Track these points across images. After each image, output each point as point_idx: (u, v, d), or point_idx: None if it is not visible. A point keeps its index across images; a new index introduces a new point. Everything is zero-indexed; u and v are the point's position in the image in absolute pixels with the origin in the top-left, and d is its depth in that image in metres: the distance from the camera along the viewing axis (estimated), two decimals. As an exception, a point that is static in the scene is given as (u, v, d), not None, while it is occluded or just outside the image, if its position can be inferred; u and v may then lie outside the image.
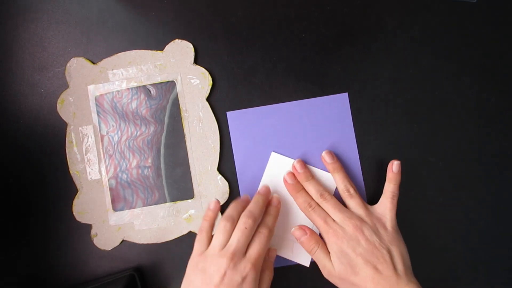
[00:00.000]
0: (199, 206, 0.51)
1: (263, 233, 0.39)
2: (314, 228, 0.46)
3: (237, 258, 0.36)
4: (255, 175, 0.51)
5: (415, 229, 0.52)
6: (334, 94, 0.52)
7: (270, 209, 0.43)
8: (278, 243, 0.46)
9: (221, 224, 0.39)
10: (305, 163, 0.48)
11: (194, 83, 0.52)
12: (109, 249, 0.51)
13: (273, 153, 0.45)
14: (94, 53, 0.52)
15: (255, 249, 0.37)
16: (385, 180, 0.49)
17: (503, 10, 0.53)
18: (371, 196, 0.52)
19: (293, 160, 0.47)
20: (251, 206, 0.41)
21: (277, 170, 0.46)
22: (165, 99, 0.52)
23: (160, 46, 0.52)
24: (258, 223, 0.40)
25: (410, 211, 0.52)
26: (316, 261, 0.43)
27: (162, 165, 0.51)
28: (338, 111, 0.52)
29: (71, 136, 0.51)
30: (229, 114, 0.52)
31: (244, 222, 0.38)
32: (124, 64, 0.52)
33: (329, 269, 0.41)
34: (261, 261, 0.37)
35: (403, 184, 0.52)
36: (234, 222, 0.39)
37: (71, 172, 0.51)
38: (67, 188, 0.51)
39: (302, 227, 0.43)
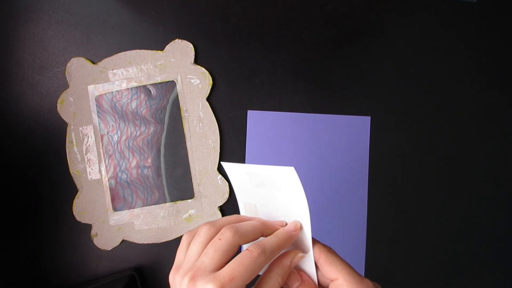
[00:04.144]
0: (199, 206, 0.51)
1: (249, 252, 0.28)
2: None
3: (200, 277, 0.27)
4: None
5: (415, 229, 0.52)
6: (334, 94, 0.52)
7: (278, 231, 0.31)
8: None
9: (200, 228, 0.30)
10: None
11: (194, 83, 0.52)
12: (109, 249, 0.51)
13: (224, 164, 0.34)
14: (94, 53, 0.52)
15: (228, 269, 0.27)
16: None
17: (503, 10, 0.53)
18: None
19: (245, 165, 0.33)
20: (241, 223, 0.31)
21: (238, 179, 0.34)
22: (165, 99, 0.52)
23: (160, 46, 0.52)
24: (244, 242, 0.30)
25: (410, 211, 0.52)
26: None
27: (162, 165, 0.51)
28: (357, 132, 0.52)
29: (71, 136, 0.51)
30: (250, 112, 0.52)
31: (220, 233, 0.29)
32: (124, 64, 0.52)
33: None
34: (238, 286, 0.27)
35: (403, 184, 0.52)
36: (216, 230, 0.30)
37: (71, 172, 0.51)
38: (67, 188, 0.51)
39: (298, 273, 0.32)
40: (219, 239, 0.29)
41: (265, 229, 0.31)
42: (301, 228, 0.32)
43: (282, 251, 0.31)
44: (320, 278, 0.31)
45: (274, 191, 0.32)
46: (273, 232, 0.31)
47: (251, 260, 0.28)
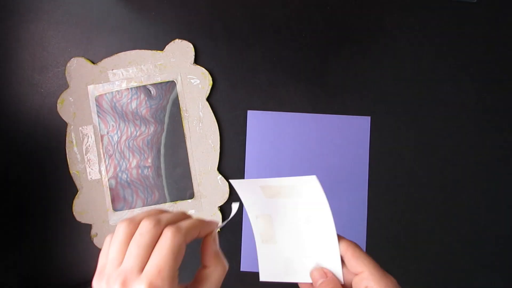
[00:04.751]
0: (199, 206, 0.51)
1: (166, 236, 0.27)
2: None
3: (130, 281, 0.26)
4: (263, 176, 0.51)
5: (415, 229, 0.52)
6: (334, 94, 0.52)
7: (195, 218, 0.31)
8: (291, 268, 0.35)
9: (117, 227, 0.28)
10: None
11: (194, 83, 0.52)
12: (109, 249, 0.51)
13: (232, 181, 0.33)
14: (94, 53, 0.52)
15: (152, 262, 0.26)
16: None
17: (503, 10, 0.53)
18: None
19: (256, 180, 0.33)
20: (161, 214, 0.29)
21: (249, 194, 0.34)
22: (165, 99, 0.52)
23: (160, 46, 0.52)
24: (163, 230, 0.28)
25: (410, 211, 0.52)
26: None
27: (162, 165, 0.51)
28: (357, 132, 0.52)
29: (71, 136, 0.51)
30: (250, 112, 0.52)
31: (140, 227, 0.27)
32: (124, 64, 0.52)
33: None
34: (168, 275, 0.26)
35: (403, 184, 0.52)
36: (134, 226, 0.28)
37: (71, 172, 0.51)
38: (67, 188, 0.51)
39: (323, 270, 0.32)
40: (140, 234, 0.27)
41: (203, 226, 0.30)
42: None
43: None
44: (345, 275, 0.32)
45: (293, 198, 0.32)
46: (211, 229, 0.31)
47: (169, 243, 0.27)
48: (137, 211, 0.51)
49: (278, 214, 0.34)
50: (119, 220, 0.51)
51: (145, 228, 0.27)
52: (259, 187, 0.33)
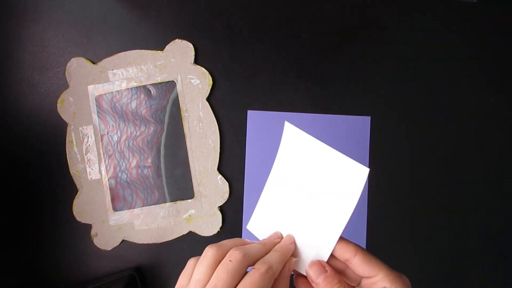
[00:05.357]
0: (199, 206, 0.51)
1: (257, 270, 0.28)
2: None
3: None
4: (263, 176, 0.51)
5: (415, 229, 0.52)
6: (334, 94, 0.52)
7: (277, 246, 0.32)
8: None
9: (205, 251, 0.30)
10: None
11: (194, 83, 0.52)
12: (109, 249, 0.51)
13: (287, 123, 0.34)
14: (94, 53, 0.52)
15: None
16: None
17: (503, 10, 0.53)
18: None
19: (309, 136, 0.33)
20: (248, 245, 0.31)
21: (292, 145, 0.34)
22: (165, 99, 0.52)
23: (160, 46, 0.52)
24: (252, 263, 0.30)
25: (410, 210, 0.52)
26: None
27: (162, 165, 0.51)
28: (357, 132, 0.52)
29: (71, 136, 0.51)
30: (250, 112, 0.52)
31: (229, 255, 0.29)
32: (124, 64, 0.52)
33: None
34: None
35: (404, 184, 0.52)
36: (222, 252, 0.30)
37: (71, 172, 0.51)
38: (67, 188, 0.51)
39: (321, 263, 0.31)
40: (230, 260, 0.28)
41: (267, 249, 0.32)
42: (294, 242, 0.33)
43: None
44: (350, 275, 0.32)
45: (332, 172, 0.32)
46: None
47: (260, 278, 0.28)
48: (137, 211, 0.51)
49: (305, 175, 0.33)
50: (119, 220, 0.51)
51: (235, 257, 0.29)
52: (309, 143, 0.33)
